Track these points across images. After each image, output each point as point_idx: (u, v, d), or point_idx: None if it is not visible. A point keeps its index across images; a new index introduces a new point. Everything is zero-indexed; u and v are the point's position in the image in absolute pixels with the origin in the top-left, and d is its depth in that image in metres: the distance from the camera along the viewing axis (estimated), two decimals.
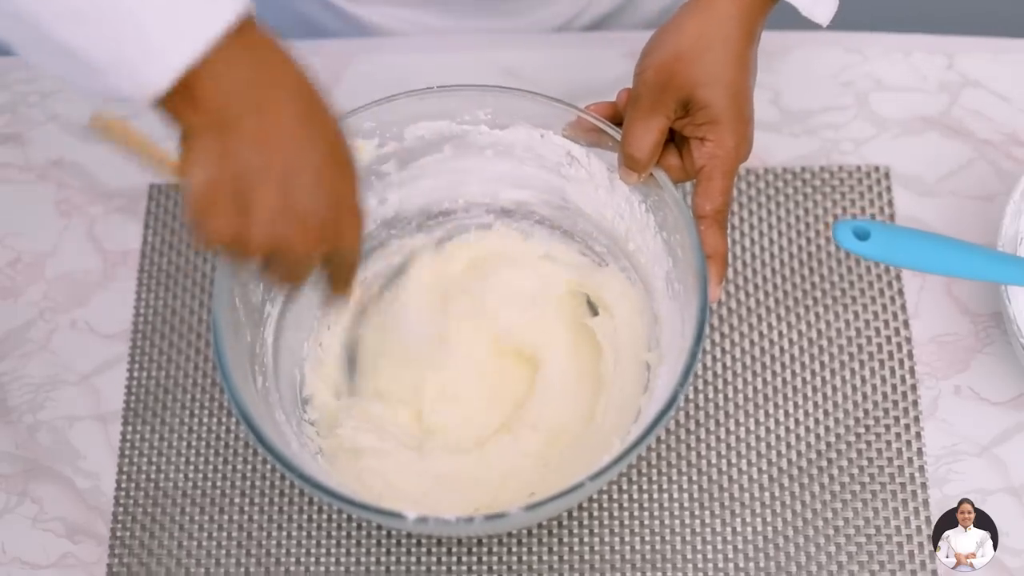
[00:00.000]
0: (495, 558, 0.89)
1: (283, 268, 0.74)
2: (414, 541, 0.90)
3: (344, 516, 0.91)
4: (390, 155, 0.91)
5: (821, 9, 0.83)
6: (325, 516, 0.91)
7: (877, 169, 1.00)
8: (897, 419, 0.92)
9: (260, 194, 0.69)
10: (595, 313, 0.93)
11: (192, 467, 0.93)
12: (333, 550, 0.90)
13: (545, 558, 0.89)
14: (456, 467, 0.88)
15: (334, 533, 0.90)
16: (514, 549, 0.89)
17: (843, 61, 1.05)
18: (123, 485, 0.92)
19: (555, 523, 0.90)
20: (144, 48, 0.66)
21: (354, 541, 0.90)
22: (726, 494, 0.90)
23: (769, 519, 0.89)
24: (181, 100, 0.68)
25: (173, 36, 0.66)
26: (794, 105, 1.03)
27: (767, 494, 0.90)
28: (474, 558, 0.89)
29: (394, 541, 0.90)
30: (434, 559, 0.89)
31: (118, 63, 0.66)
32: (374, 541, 0.90)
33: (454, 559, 0.89)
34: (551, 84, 1.03)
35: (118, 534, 0.91)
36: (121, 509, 0.91)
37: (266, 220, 0.70)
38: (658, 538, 0.89)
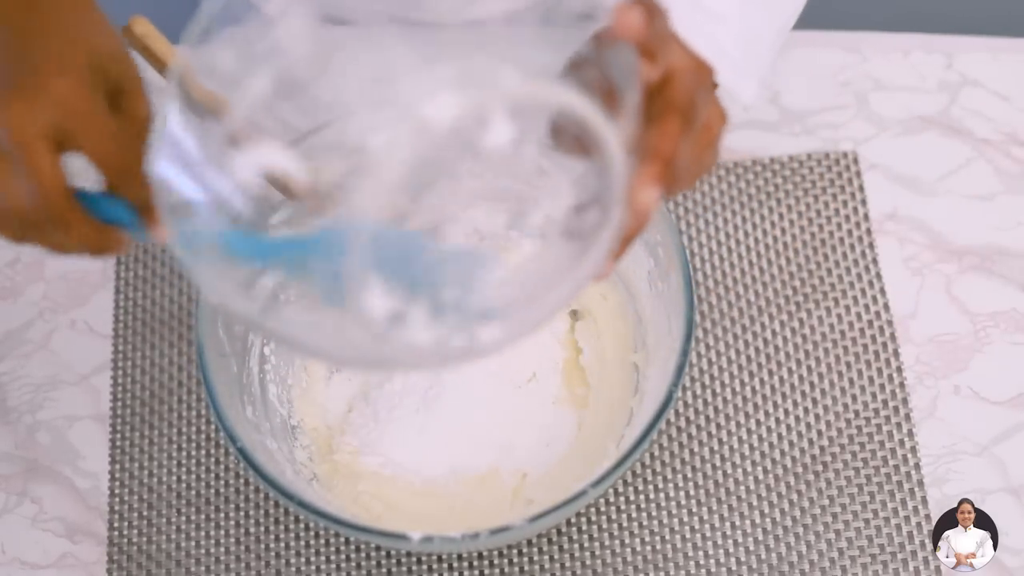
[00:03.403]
0: (497, 570, 0.89)
1: None
2: (414, 559, 0.89)
3: (342, 539, 0.90)
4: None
5: (744, 89, 0.75)
6: (323, 541, 0.90)
7: (846, 155, 1.01)
8: (888, 418, 0.92)
9: None
10: (576, 319, 0.93)
11: (185, 468, 0.92)
12: (333, 574, 0.89)
13: (547, 566, 0.89)
14: (456, 484, 0.88)
15: (333, 557, 0.89)
16: (515, 560, 0.89)
17: (842, 60, 1.05)
18: (116, 491, 0.92)
19: (554, 530, 0.90)
20: None
21: (354, 564, 0.89)
22: (723, 490, 0.90)
23: (768, 513, 0.89)
24: None
25: None
26: (793, 105, 1.03)
27: (764, 487, 0.90)
28: (476, 572, 0.89)
29: (394, 561, 0.89)
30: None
31: None
32: (374, 563, 0.89)
33: (456, 575, 0.89)
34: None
35: (115, 537, 0.91)
36: (117, 511, 0.91)
37: None
38: (658, 538, 0.89)
